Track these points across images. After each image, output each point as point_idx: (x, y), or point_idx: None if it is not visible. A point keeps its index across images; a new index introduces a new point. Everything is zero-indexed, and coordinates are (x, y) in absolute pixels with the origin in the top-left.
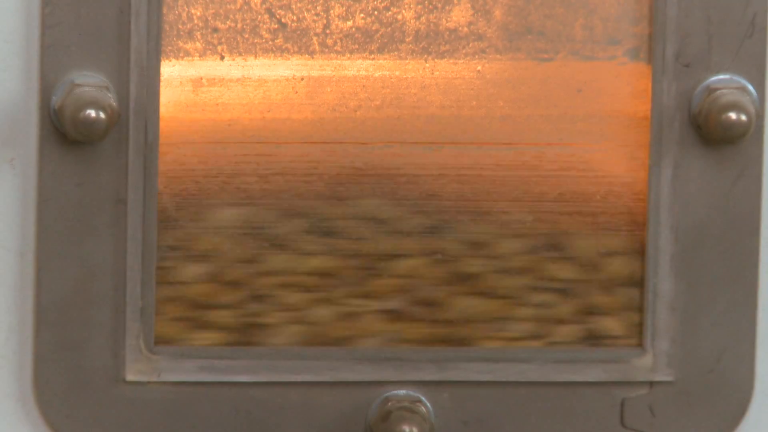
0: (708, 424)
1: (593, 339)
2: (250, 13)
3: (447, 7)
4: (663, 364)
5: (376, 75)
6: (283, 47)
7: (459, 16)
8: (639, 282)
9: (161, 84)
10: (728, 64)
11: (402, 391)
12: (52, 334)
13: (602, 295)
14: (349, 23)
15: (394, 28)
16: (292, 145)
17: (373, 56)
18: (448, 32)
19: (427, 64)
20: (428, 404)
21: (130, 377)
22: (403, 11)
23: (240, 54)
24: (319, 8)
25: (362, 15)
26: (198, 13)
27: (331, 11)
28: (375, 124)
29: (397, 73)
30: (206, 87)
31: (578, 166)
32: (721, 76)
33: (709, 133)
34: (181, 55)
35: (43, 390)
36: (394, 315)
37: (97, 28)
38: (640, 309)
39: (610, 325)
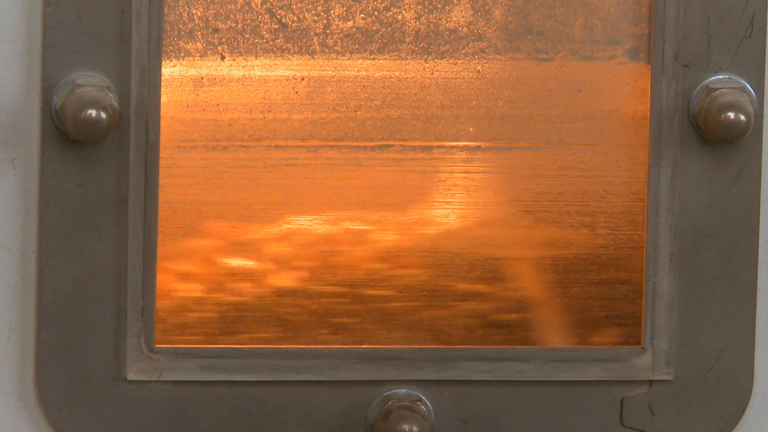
0: (707, 423)
1: (593, 338)
2: (250, 13)
3: (447, 8)
4: (662, 363)
5: (377, 75)
6: (284, 47)
7: (459, 16)
8: (638, 281)
9: (162, 84)
10: (727, 64)
11: (402, 390)
12: (53, 334)
13: (601, 294)
14: (350, 23)
15: (394, 29)
16: (292, 144)
17: (373, 56)
18: (447, 32)
19: (427, 65)
20: (428, 403)
21: (131, 376)
22: (403, 11)
23: (241, 54)
24: (319, 8)
25: (362, 15)
26: (199, 14)
27: (332, 11)
28: (375, 123)
29: (397, 73)
30: (207, 87)
31: (577, 166)
32: (720, 76)
33: (708, 132)
34: (181, 55)
35: (45, 389)
36: (394, 320)
37: (98, 29)
38: (640, 308)
39: (610, 324)
